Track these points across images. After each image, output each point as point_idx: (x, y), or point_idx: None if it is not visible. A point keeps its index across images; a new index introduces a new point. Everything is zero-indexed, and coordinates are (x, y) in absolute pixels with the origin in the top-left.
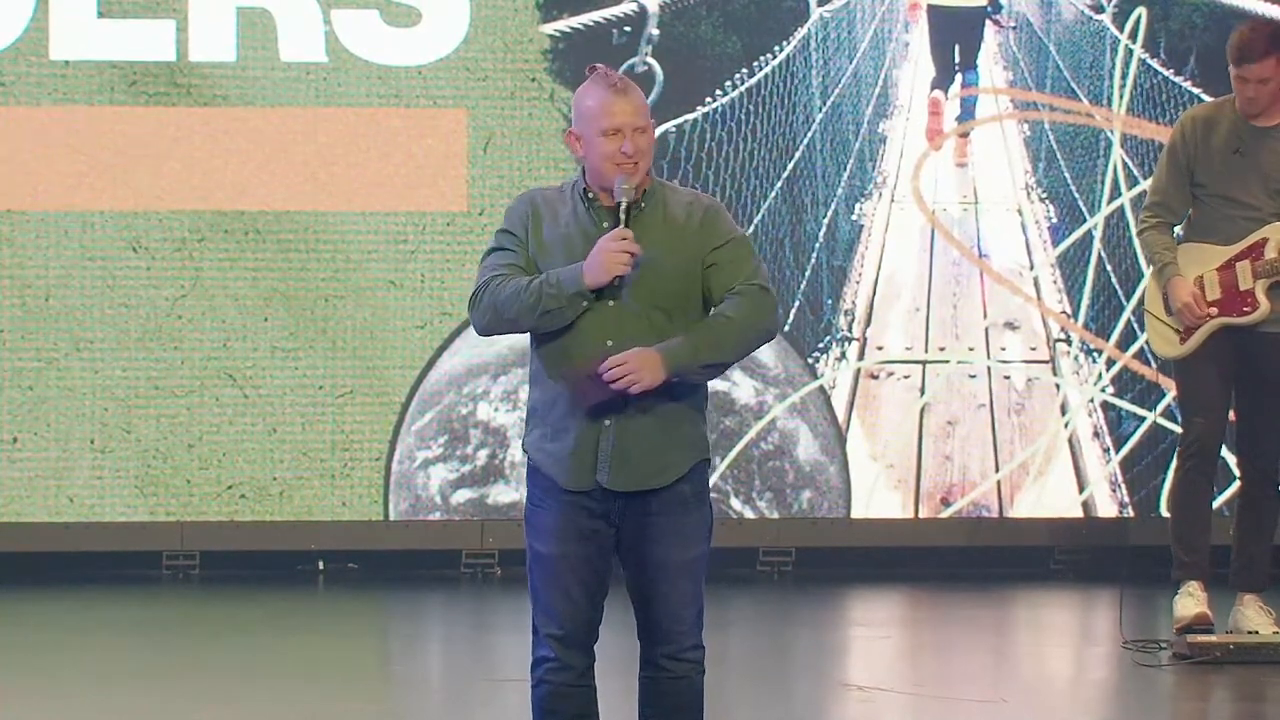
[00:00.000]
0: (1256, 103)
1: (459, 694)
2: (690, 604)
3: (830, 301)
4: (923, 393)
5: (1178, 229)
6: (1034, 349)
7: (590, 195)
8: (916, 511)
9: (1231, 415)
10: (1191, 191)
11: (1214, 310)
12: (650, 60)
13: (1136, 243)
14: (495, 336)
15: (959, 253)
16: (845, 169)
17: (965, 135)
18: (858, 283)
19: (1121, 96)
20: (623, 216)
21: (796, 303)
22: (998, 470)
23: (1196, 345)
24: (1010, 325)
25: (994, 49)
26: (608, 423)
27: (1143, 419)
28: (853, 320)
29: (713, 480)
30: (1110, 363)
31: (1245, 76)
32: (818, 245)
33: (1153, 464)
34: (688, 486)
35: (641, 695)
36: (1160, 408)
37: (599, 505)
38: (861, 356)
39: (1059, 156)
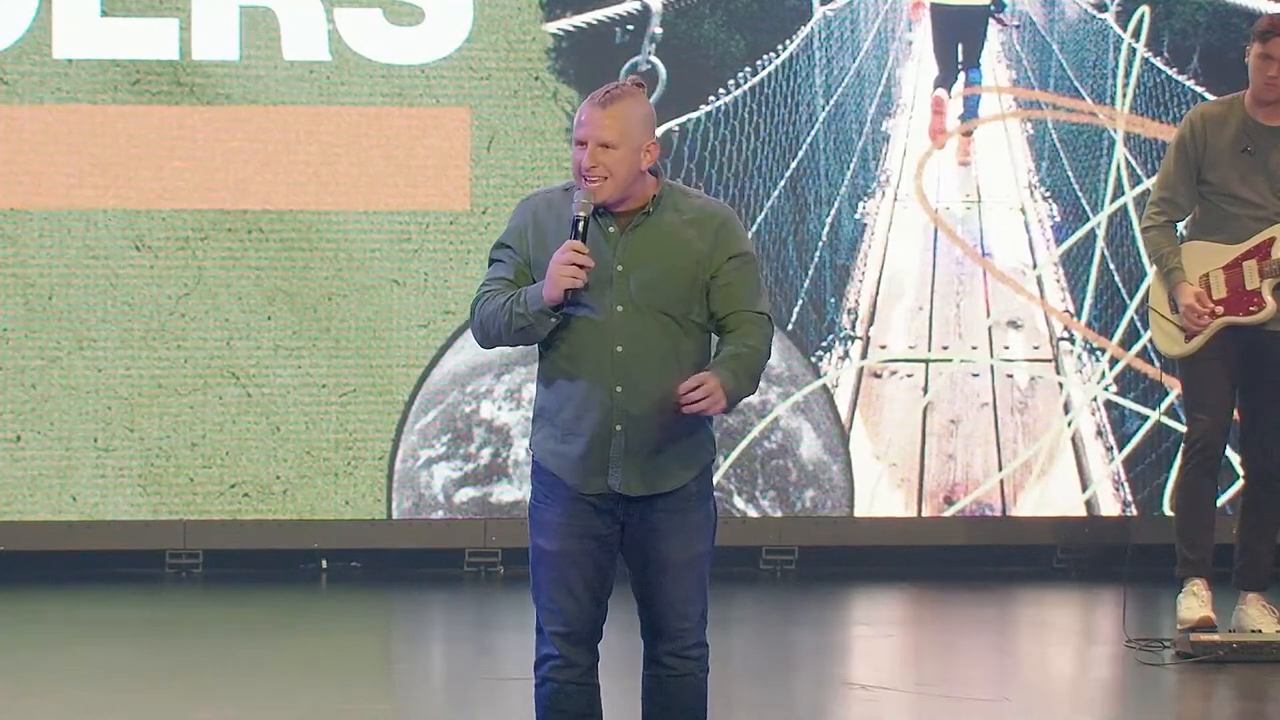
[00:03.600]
0: (1277, 85)
1: (462, 693)
2: (694, 601)
3: (833, 300)
4: (926, 391)
5: (1181, 227)
6: (1037, 348)
7: (599, 208)
8: (919, 510)
9: (1236, 414)
10: (1197, 189)
11: (1220, 309)
12: (654, 59)
13: (1140, 239)
14: None
15: (962, 251)
16: (848, 167)
17: (968, 134)
18: (861, 281)
19: (1124, 95)
20: (579, 230)
21: (800, 301)
22: (1000, 469)
23: (1201, 344)
24: (1013, 324)
25: (997, 47)
26: (619, 427)
27: (1146, 418)
28: (856, 319)
29: (715, 479)
30: (1113, 361)
31: (1271, 53)
32: (821, 244)
33: (1156, 463)
34: (693, 484)
35: (645, 694)
36: (1163, 406)
37: (604, 503)
38: (864, 355)
39: (1062, 155)
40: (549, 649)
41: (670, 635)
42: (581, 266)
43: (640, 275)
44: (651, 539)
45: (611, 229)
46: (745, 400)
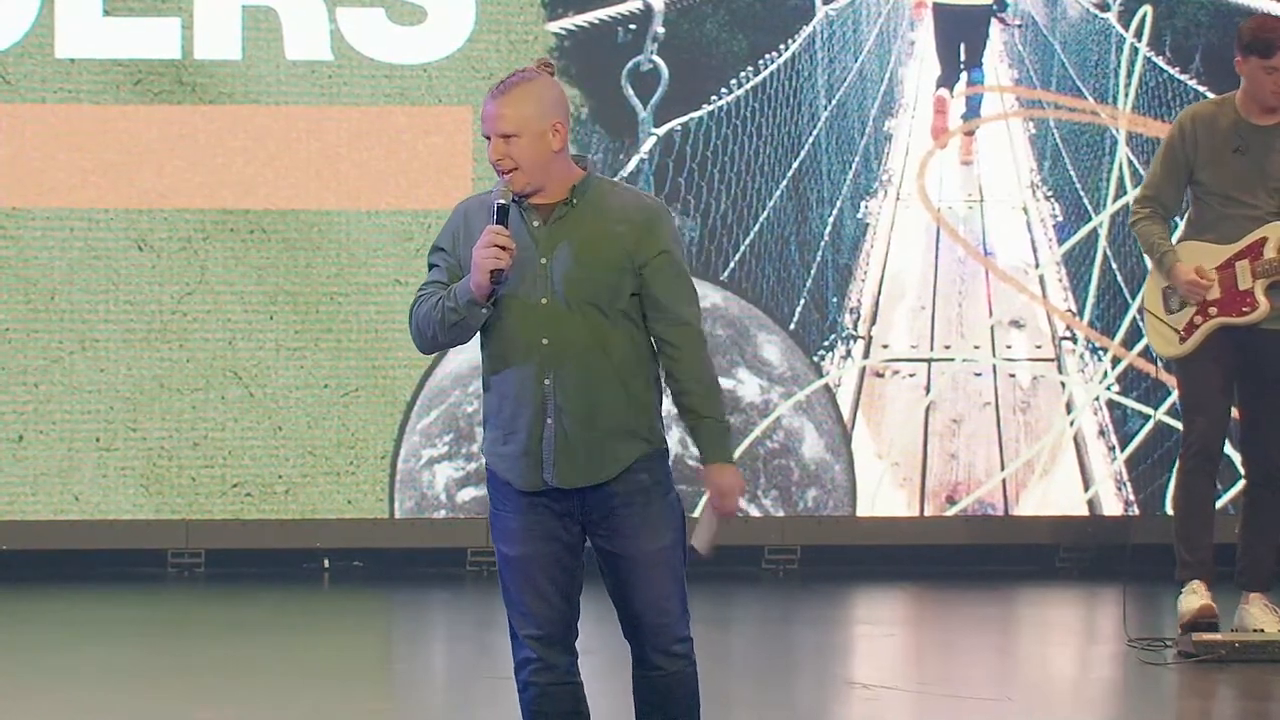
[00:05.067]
0: None
1: (463, 692)
2: (671, 596)
3: (835, 300)
4: (928, 391)
5: (1176, 227)
6: (1039, 347)
7: (518, 197)
8: (922, 510)
9: (1235, 414)
10: (1190, 190)
11: (1214, 310)
12: (656, 58)
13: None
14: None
15: (964, 251)
16: (851, 167)
17: (970, 133)
18: (863, 281)
19: (1127, 95)
20: (494, 216)
21: (802, 301)
22: (1003, 468)
23: (1196, 345)
24: (1015, 323)
25: (999, 47)
26: (549, 421)
27: (1148, 417)
28: (858, 318)
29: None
30: (1115, 361)
31: (1278, 65)
32: (823, 243)
33: (1158, 462)
34: (646, 476)
35: (636, 694)
36: (1165, 406)
37: (557, 504)
38: (867, 355)
39: (1064, 154)
40: (526, 653)
41: (652, 633)
42: (504, 248)
43: (564, 266)
44: (615, 539)
45: (535, 222)
46: (747, 400)
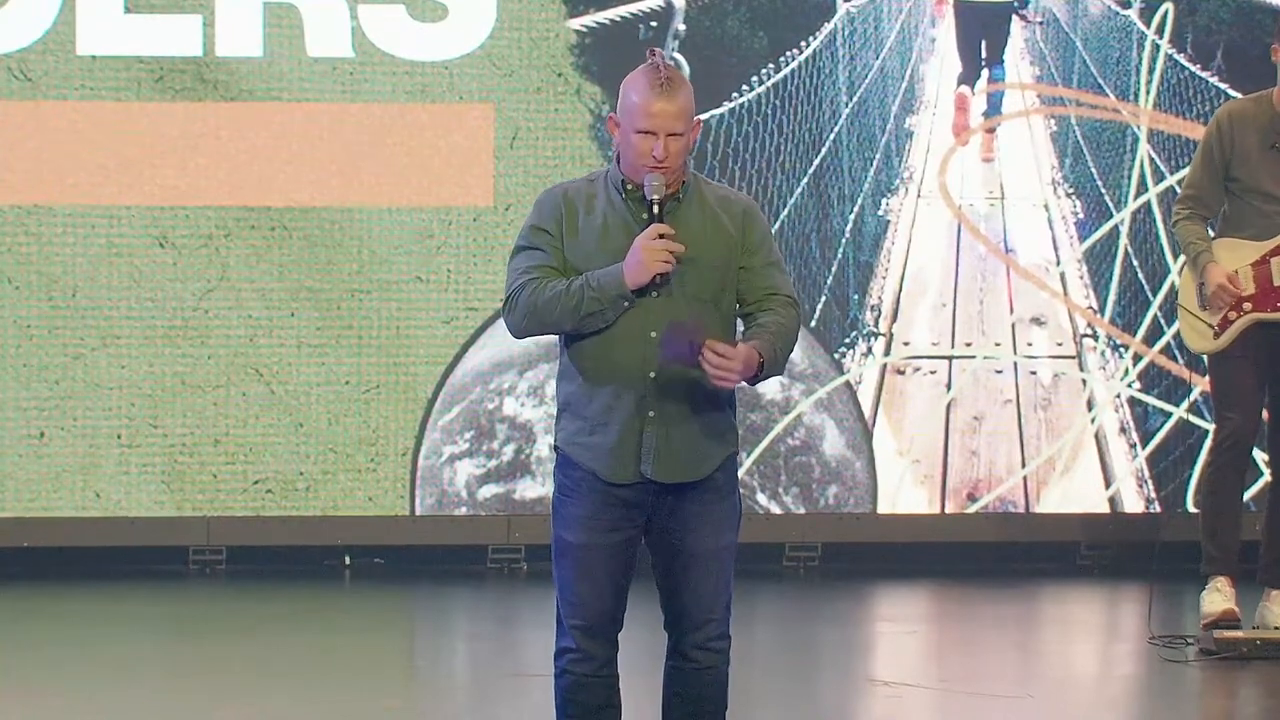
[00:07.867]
0: None
1: (484, 689)
2: (720, 594)
3: (857, 297)
4: (949, 388)
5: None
6: (1060, 344)
7: (628, 186)
8: (943, 507)
9: (1264, 414)
10: (1226, 186)
11: (1248, 305)
12: (677, 55)
13: (1163, 237)
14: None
15: (985, 248)
16: (872, 164)
17: (992, 131)
18: (884, 278)
19: (1148, 92)
20: (656, 213)
21: (823, 298)
22: (1024, 466)
23: (1230, 340)
24: (1037, 321)
25: (1021, 44)
26: (651, 414)
27: (1169, 414)
28: (879, 316)
29: (739, 475)
30: (1137, 358)
31: None
32: (844, 241)
33: (1179, 459)
34: (721, 476)
35: (666, 684)
36: (1186, 403)
37: (634, 496)
38: (888, 352)
39: (1085, 152)
40: (568, 642)
41: (695, 627)
42: (673, 252)
43: (678, 266)
44: (680, 531)
45: (645, 215)
46: (768, 397)
